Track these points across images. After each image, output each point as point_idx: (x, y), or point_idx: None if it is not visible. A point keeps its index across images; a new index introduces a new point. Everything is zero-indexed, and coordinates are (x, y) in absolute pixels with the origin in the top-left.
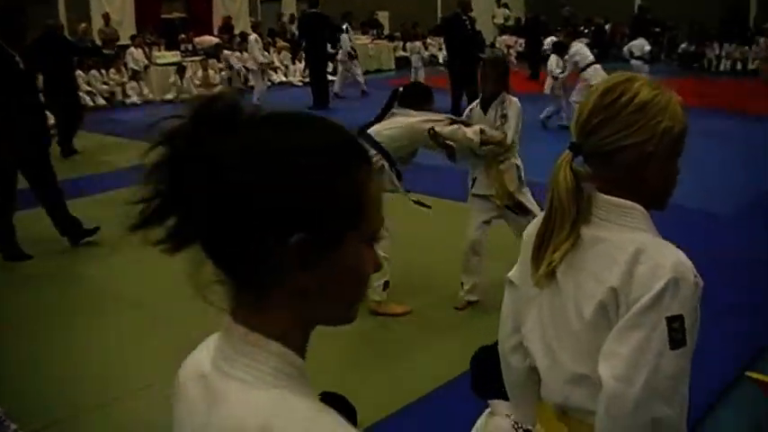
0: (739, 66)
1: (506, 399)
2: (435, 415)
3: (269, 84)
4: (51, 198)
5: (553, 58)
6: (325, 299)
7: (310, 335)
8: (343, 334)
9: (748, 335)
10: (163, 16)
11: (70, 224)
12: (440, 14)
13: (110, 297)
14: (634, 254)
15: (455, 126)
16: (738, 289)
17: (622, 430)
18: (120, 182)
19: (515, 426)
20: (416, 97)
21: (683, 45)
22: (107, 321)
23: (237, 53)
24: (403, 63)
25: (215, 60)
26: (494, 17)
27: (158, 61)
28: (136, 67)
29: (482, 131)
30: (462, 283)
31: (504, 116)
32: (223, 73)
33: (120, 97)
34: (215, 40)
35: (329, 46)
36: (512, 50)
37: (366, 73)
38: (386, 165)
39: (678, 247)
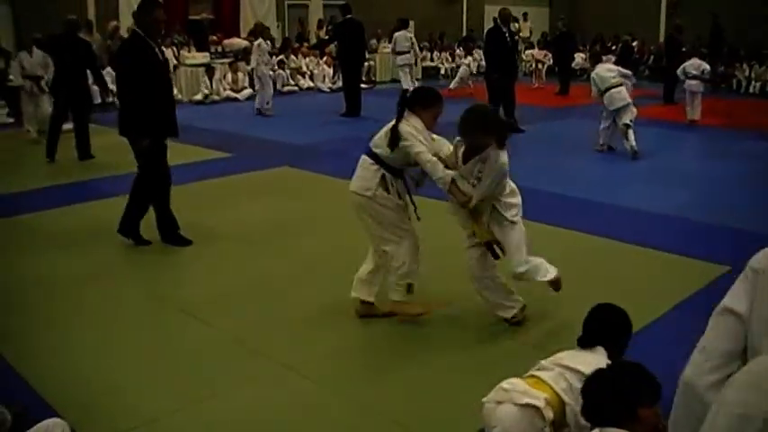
0: None
1: (618, 425)
2: None
3: (297, 89)
4: (163, 192)
5: None
6: None
7: None
8: None
9: None
10: (190, 17)
11: (170, 222)
12: (465, 26)
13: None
14: None
15: (434, 159)
16: None
17: None
18: None
19: None
20: (425, 100)
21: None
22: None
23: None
24: (431, 73)
25: (244, 63)
26: (520, 31)
27: (187, 62)
28: None
29: (452, 182)
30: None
31: (479, 179)
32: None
33: None
34: (244, 42)
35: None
36: (540, 65)
37: (393, 82)
38: (387, 175)
39: None
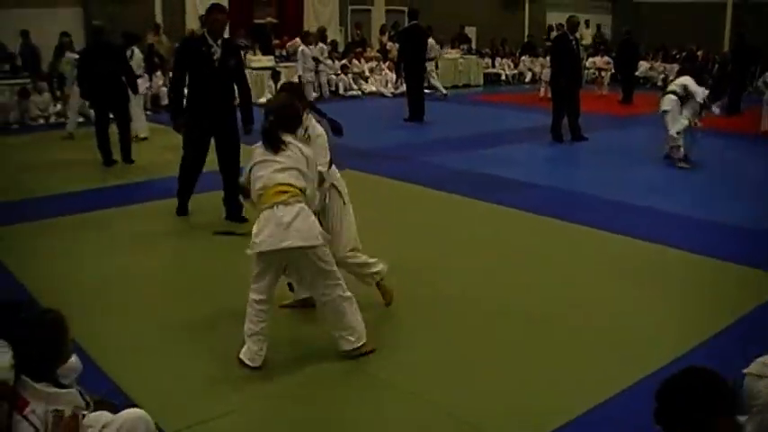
0: None
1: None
2: None
3: (359, 93)
4: (232, 176)
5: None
6: None
7: None
8: None
9: None
10: (255, 21)
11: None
12: (527, 32)
13: None
14: None
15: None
16: None
17: None
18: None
19: None
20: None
21: None
22: None
23: (329, 61)
24: (492, 79)
25: None
26: (582, 38)
27: (253, 65)
28: None
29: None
30: None
31: None
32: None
33: None
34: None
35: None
36: (603, 73)
37: (454, 87)
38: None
39: None
